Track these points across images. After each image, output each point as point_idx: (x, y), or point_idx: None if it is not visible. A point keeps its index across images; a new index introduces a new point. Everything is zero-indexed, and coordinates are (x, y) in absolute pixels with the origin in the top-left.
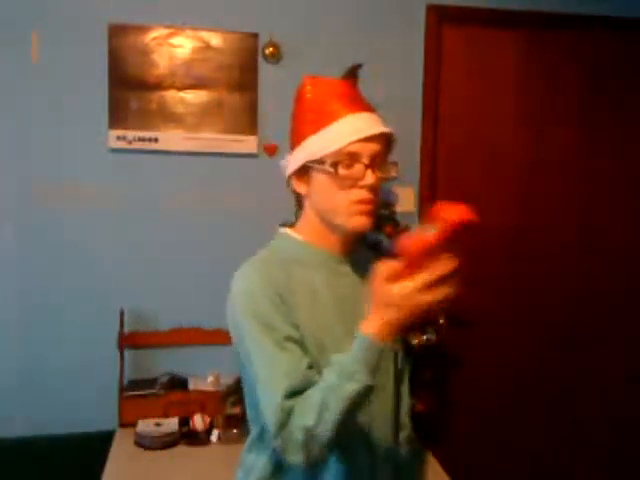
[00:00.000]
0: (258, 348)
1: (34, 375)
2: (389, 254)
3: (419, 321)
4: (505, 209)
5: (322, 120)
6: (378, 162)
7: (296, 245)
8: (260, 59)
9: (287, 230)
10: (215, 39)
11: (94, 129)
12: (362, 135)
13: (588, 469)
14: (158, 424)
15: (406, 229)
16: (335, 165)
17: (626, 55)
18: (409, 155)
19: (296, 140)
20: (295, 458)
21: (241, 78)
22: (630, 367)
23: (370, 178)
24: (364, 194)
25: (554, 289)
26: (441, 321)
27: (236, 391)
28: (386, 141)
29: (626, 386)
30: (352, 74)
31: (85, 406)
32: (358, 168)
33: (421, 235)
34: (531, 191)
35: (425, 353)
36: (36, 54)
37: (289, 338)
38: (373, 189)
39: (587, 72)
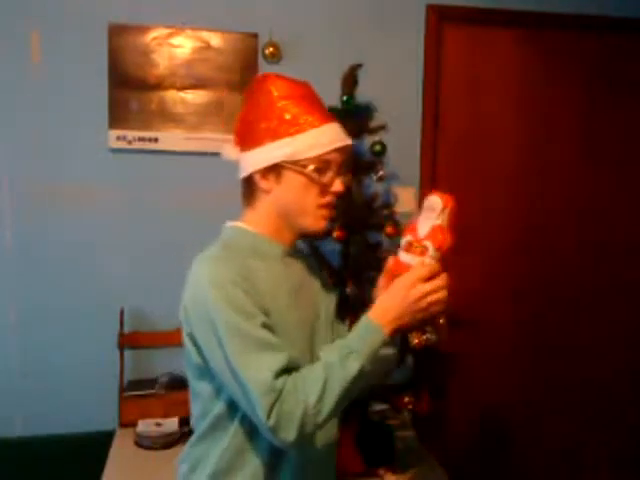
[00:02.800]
0: (237, 333)
1: (34, 375)
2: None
3: (420, 323)
4: (505, 209)
5: (299, 123)
6: (341, 171)
7: (252, 237)
8: (260, 59)
9: (238, 223)
10: (215, 39)
11: (94, 129)
12: (340, 144)
13: (589, 468)
14: (158, 424)
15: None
16: (318, 170)
17: (626, 55)
18: (409, 155)
19: (264, 136)
20: (288, 435)
21: (241, 78)
22: (631, 367)
23: (339, 185)
24: (331, 199)
25: (554, 288)
26: (441, 321)
27: None
28: (347, 152)
29: (630, 386)
30: (352, 74)
31: (85, 406)
32: (330, 175)
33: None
34: (531, 191)
35: (425, 353)
36: (36, 54)
37: (265, 325)
38: (339, 195)
39: (587, 72)
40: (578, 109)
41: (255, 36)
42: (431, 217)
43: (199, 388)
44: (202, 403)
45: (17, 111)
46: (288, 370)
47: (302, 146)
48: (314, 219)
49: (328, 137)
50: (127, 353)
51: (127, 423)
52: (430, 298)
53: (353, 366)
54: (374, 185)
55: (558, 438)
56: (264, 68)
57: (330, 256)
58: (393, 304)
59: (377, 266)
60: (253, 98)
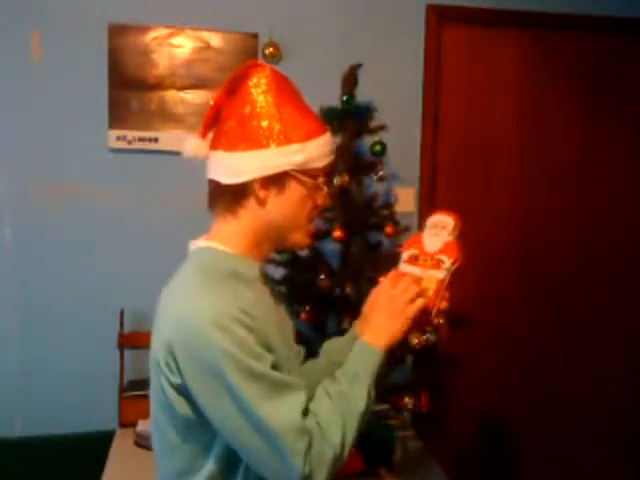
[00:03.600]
0: (253, 380)
1: (34, 375)
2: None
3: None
4: (505, 209)
5: (309, 129)
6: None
7: (231, 260)
8: (260, 59)
9: (210, 244)
10: (215, 39)
11: (94, 129)
12: (333, 155)
13: (589, 468)
14: None
15: (406, 229)
16: (327, 182)
17: (627, 55)
18: (409, 155)
19: (268, 138)
20: (322, 478)
21: None
22: (632, 367)
23: (329, 200)
24: (317, 213)
25: (554, 288)
26: (441, 321)
27: None
28: None
29: (629, 387)
30: (352, 74)
31: (85, 406)
32: (327, 188)
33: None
34: (531, 191)
35: (425, 353)
36: (36, 54)
37: (274, 364)
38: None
39: (588, 72)
40: (578, 109)
41: (255, 36)
42: (441, 234)
43: (180, 443)
44: (185, 460)
45: (17, 111)
46: (308, 410)
47: (312, 154)
48: (303, 234)
49: (329, 147)
50: (127, 353)
51: (127, 423)
52: (410, 294)
53: (362, 392)
54: (374, 185)
55: (557, 437)
56: None
57: (330, 256)
58: (380, 321)
59: (377, 266)
60: (245, 89)
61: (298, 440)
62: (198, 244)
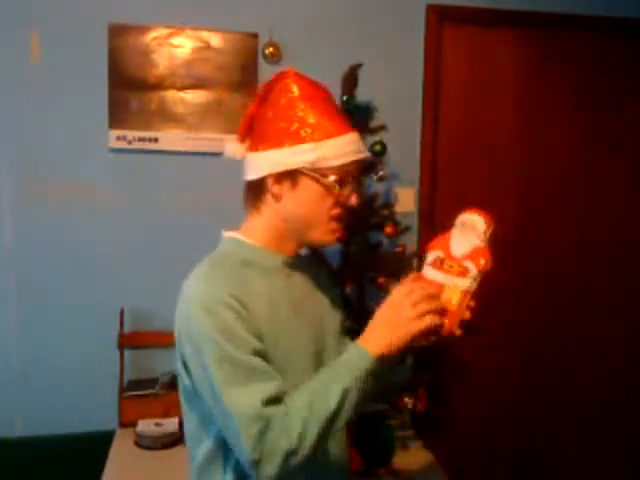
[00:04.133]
0: (224, 361)
1: (34, 375)
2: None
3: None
4: (505, 208)
5: (324, 129)
6: (357, 185)
7: (249, 250)
8: (260, 59)
9: (235, 234)
10: (215, 39)
11: (94, 129)
12: (361, 156)
13: (589, 468)
14: (158, 424)
15: (406, 229)
16: (338, 181)
17: (626, 55)
18: (409, 155)
19: (283, 138)
20: (270, 470)
21: (241, 78)
22: (631, 368)
23: (355, 199)
24: (342, 212)
25: (555, 288)
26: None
27: None
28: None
29: (630, 386)
30: (352, 74)
31: (85, 406)
32: (348, 187)
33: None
34: (531, 190)
35: (425, 354)
36: (36, 54)
37: (259, 352)
38: (351, 209)
39: (587, 72)
40: (578, 108)
41: (255, 36)
42: (470, 236)
43: (188, 411)
44: (192, 428)
45: (17, 111)
46: (278, 400)
47: (326, 154)
48: (323, 232)
49: (351, 147)
50: (127, 353)
51: (127, 423)
52: (419, 310)
53: (337, 391)
54: (374, 185)
55: (557, 437)
56: (264, 68)
57: (330, 256)
58: (379, 329)
59: (377, 266)
60: (271, 95)
61: (251, 425)
62: (225, 234)
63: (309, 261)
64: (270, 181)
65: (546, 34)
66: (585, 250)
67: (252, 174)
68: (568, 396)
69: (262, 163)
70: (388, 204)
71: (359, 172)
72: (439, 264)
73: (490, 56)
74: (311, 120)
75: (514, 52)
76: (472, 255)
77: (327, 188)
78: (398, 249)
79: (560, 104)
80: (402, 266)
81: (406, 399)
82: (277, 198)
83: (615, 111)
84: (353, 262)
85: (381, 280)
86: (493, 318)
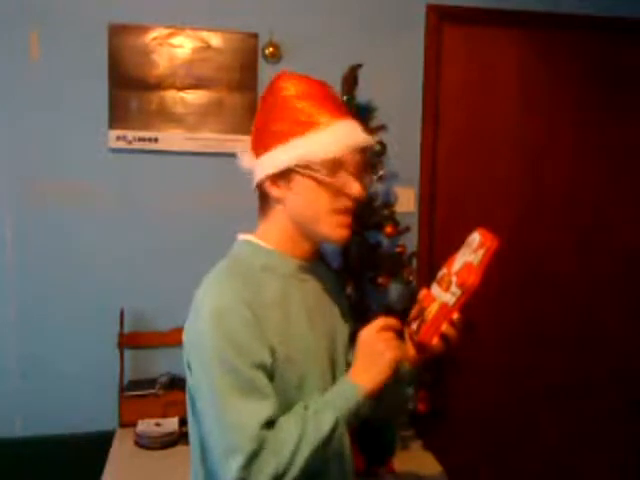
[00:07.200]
0: (228, 374)
1: (34, 375)
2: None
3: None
4: (505, 209)
5: (309, 123)
6: (361, 173)
7: (264, 253)
8: (260, 59)
9: (250, 237)
10: (215, 39)
11: (94, 129)
12: (356, 145)
13: (589, 468)
14: (158, 424)
15: (406, 229)
16: (331, 173)
17: (626, 55)
18: (409, 155)
19: (274, 139)
20: None
21: (241, 78)
22: (632, 367)
23: (357, 189)
24: (348, 204)
25: (555, 289)
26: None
27: None
28: (366, 152)
29: (630, 386)
30: (352, 74)
31: (85, 406)
32: (345, 177)
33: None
34: (532, 191)
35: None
36: (35, 54)
37: (261, 365)
38: (357, 200)
39: (588, 72)
40: (578, 109)
41: (255, 36)
42: (467, 254)
43: (190, 408)
44: (191, 425)
45: (17, 111)
46: (272, 422)
47: (312, 147)
48: (330, 227)
49: (343, 135)
50: (127, 353)
51: (127, 423)
52: (382, 347)
53: (330, 417)
54: (374, 185)
55: (556, 437)
56: (264, 68)
57: (330, 256)
58: (362, 364)
59: (377, 266)
60: (267, 100)
61: (248, 445)
62: (240, 237)
63: (326, 268)
64: (267, 184)
65: (547, 34)
66: (587, 250)
67: (254, 181)
68: (570, 397)
69: (259, 168)
70: (388, 204)
71: (360, 161)
72: (440, 279)
73: (490, 56)
74: (302, 118)
75: (514, 52)
76: (460, 271)
77: (319, 182)
78: (398, 249)
79: (560, 104)
80: (402, 266)
81: None
82: (279, 200)
83: (616, 111)
84: (353, 262)
85: (381, 280)
86: (494, 319)
